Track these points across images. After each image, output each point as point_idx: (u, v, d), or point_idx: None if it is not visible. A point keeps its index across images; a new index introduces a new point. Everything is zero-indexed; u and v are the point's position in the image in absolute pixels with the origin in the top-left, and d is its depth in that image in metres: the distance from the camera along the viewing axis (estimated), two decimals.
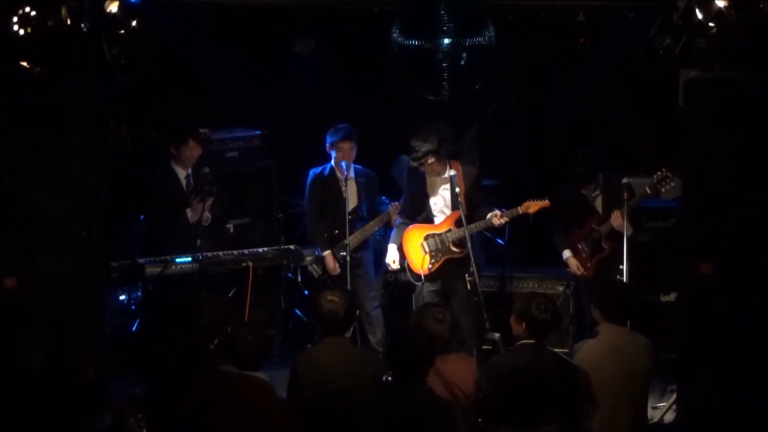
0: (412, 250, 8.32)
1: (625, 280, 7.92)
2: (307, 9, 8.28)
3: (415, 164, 8.20)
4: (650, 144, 9.79)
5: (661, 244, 8.88)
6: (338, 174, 8.75)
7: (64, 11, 7.15)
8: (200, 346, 6.45)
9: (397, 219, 8.58)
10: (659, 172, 8.08)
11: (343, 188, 8.69)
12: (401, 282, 8.99)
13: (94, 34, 7.24)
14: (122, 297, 9.43)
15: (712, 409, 7.02)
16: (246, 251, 8.57)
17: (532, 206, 8.14)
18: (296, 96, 9.91)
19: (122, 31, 7.31)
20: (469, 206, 8.14)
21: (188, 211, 8.42)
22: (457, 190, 8.04)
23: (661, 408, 7.91)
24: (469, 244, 7.95)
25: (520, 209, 8.15)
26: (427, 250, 8.26)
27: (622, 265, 7.95)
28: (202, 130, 8.85)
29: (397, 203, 8.78)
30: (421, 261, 8.25)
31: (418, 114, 9.71)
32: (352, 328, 6.73)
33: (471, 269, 7.89)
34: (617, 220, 8.16)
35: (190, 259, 8.20)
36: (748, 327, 7.05)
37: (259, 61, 9.88)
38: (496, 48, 7.47)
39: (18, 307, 7.14)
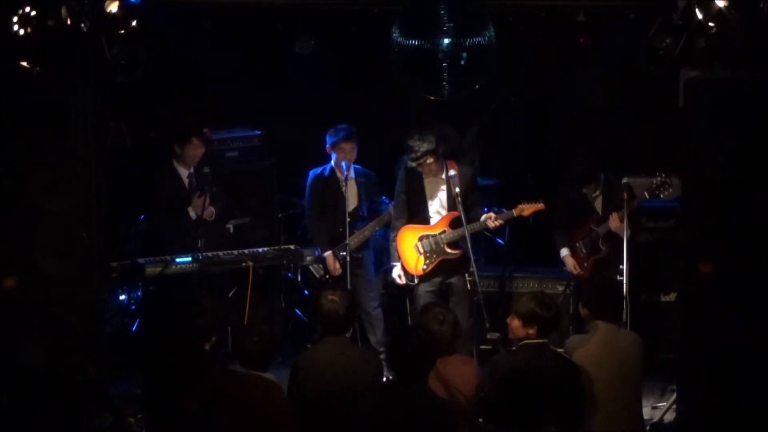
0: (407, 251, 8.31)
1: (625, 280, 7.93)
2: (307, 9, 8.27)
3: (413, 164, 8.19)
4: (650, 144, 9.79)
5: (661, 244, 8.87)
6: (338, 174, 8.75)
7: (64, 11, 7.15)
8: (197, 345, 6.45)
9: (391, 233, 8.54)
10: (658, 177, 8.08)
11: (344, 188, 8.69)
12: (402, 284, 8.99)
13: (94, 34, 7.23)
14: (122, 297, 9.43)
15: (712, 409, 7.01)
16: (246, 251, 8.57)
17: (527, 209, 8.13)
18: (296, 96, 9.91)
19: (122, 31, 7.30)
20: (464, 207, 8.13)
21: (190, 210, 8.42)
22: (457, 190, 8.03)
23: (661, 408, 7.91)
24: (469, 244, 7.93)
25: (515, 212, 8.14)
26: (421, 251, 8.25)
27: (622, 265, 7.95)
28: (202, 130, 8.84)
29: (395, 205, 8.78)
30: (415, 262, 8.24)
31: (418, 114, 9.74)
32: (351, 328, 6.71)
33: (471, 269, 7.88)
34: (615, 222, 8.17)
35: (190, 259, 8.20)
36: (748, 327, 7.05)
37: (259, 61, 9.88)
38: (496, 48, 7.48)
39: (18, 307, 7.14)
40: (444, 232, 8.20)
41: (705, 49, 7.36)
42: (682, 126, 7.35)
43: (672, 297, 8.77)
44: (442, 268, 8.26)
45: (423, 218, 8.34)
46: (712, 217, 7.16)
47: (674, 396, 7.74)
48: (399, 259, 8.38)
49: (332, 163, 8.78)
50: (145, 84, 7.79)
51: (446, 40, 7.40)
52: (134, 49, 7.38)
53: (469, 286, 7.94)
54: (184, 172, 8.60)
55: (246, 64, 9.85)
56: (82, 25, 7.15)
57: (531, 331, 6.45)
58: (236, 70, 9.83)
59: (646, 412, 7.63)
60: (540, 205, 8.13)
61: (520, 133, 10.62)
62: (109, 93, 7.70)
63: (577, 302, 8.79)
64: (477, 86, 7.67)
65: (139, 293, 8.97)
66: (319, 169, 8.84)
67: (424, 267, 8.24)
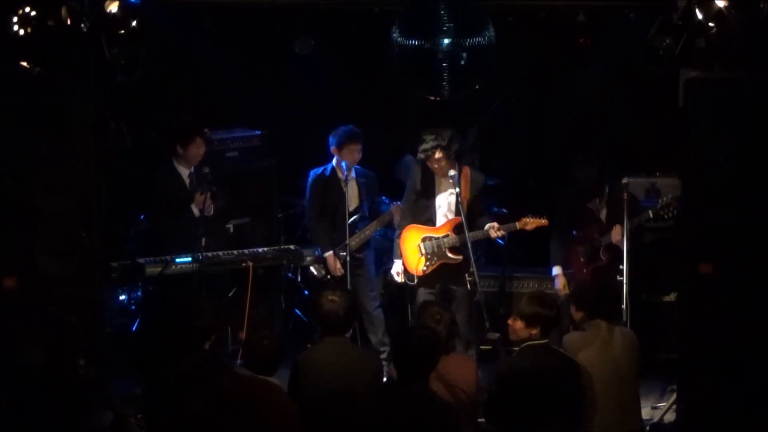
0: (409, 250, 8.30)
1: (625, 280, 7.93)
2: (307, 9, 8.27)
3: (422, 156, 8.16)
4: (650, 144, 9.79)
5: (661, 244, 8.87)
6: (339, 174, 8.75)
7: (64, 11, 7.15)
8: (197, 345, 6.45)
9: (395, 231, 8.54)
10: (664, 198, 8.07)
11: (345, 189, 8.69)
12: (400, 283, 8.99)
13: (94, 34, 7.24)
14: (122, 297, 9.43)
15: (712, 409, 7.01)
16: (246, 251, 8.56)
17: (530, 223, 8.09)
18: (296, 96, 9.91)
19: (122, 31, 7.31)
20: (470, 213, 8.11)
21: (193, 207, 8.42)
22: (457, 190, 8.02)
23: (661, 408, 7.91)
24: (470, 250, 7.90)
25: (518, 225, 8.09)
26: (423, 252, 8.23)
27: (622, 266, 7.95)
28: (204, 129, 8.84)
29: (398, 203, 8.78)
30: (416, 262, 8.23)
31: (418, 114, 9.75)
32: (352, 328, 6.72)
33: (471, 269, 7.87)
34: (617, 236, 8.14)
35: (190, 259, 8.20)
36: (748, 327, 7.05)
37: (259, 61, 9.88)
38: (496, 48, 7.48)
39: (18, 307, 7.14)
40: (447, 236, 8.18)
41: (705, 49, 7.36)
42: (682, 126, 7.35)
43: (672, 297, 8.77)
44: (442, 273, 8.22)
45: (429, 220, 8.31)
46: (712, 217, 7.16)
47: (674, 396, 7.74)
48: (401, 256, 8.36)
49: (333, 163, 8.78)
50: (145, 84, 7.79)
51: (446, 40, 7.40)
52: (134, 49, 7.38)
53: (469, 286, 7.92)
54: (185, 172, 8.60)
55: (246, 64, 9.86)
56: (82, 25, 7.15)
57: (534, 332, 6.47)
58: (236, 70, 9.83)
59: (646, 412, 7.64)
60: (543, 221, 8.08)
61: (520, 133, 10.62)
62: (109, 93, 7.70)
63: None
64: (477, 86, 7.67)
65: (139, 293, 8.98)
66: (320, 169, 8.84)
67: (424, 268, 8.22)
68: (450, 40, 7.39)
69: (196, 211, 8.38)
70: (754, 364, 7.01)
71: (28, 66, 7.22)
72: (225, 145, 9.28)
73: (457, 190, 8.03)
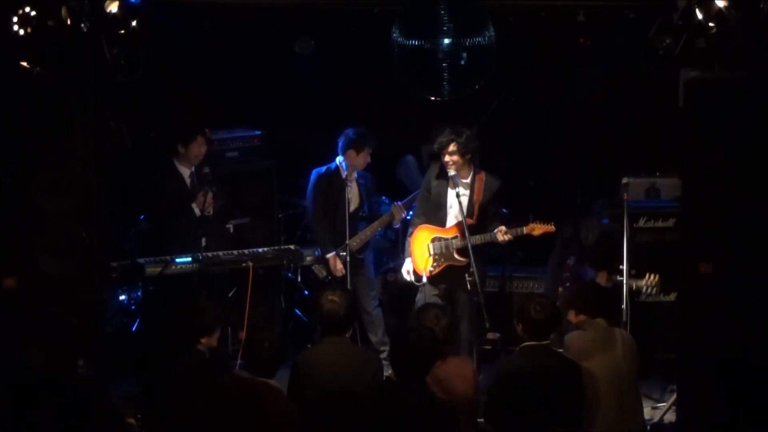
0: (418, 250, 8.30)
1: (625, 280, 7.93)
2: (307, 9, 8.27)
3: (435, 147, 8.15)
4: (650, 144, 9.79)
5: (661, 244, 8.87)
6: (342, 175, 8.75)
7: (64, 11, 7.15)
8: (191, 344, 6.43)
9: (408, 228, 8.53)
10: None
11: (347, 189, 8.69)
12: (400, 283, 8.99)
13: (94, 34, 7.24)
14: (122, 297, 9.42)
15: (712, 409, 7.02)
16: (246, 251, 8.56)
17: (537, 229, 8.07)
18: (296, 96, 9.90)
19: (122, 31, 7.31)
20: (482, 217, 8.09)
21: (194, 206, 8.42)
22: (458, 190, 8.00)
23: (661, 408, 7.91)
24: (471, 254, 7.89)
25: (525, 229, 8.07)
26: (431, 252, 8.23)
27: (622, 265, 7.96)
28: (204, 129, 8.84)
29: (398, 203, 8.78)
30: (424, 262, 8.23)
31: (418, 114, 9.74)
32: (352, 328, 6.71)
33: (471, 269, 7.86)
34: (602, 280, 8.16)
35: (190, 259, 8.20)
36: (748, 327, 7.05)
37: (259, 61, 9.87)
38: (496, 48, 7.47)
39: (18, 307, 7.14)
40: (456, 237, 8.16)
41: (705, 49, 7.37)
42: (682, 126, 7.35)
43: (672, 297, 8.77)
44: (448, 275, 8.21)
45: (440, 220, 8.30)
46: (712, 217, 7.16)
47: (674, 396, 7.74)
48: (411, 255, 8.36)
49: (336, 163, 8.79)
50: (145, 84, 7.79)
51: (446, 40, 7.40)
52: (134, 49, 7.39)
53: (469, 286, 7.92)
54: (185, 172, 8.60)
55: (246, 64, 9.85)
56: (82, 25, 7.15)
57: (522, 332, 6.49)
58: (236, 70, 9.83)
59: (646, 412, 7.63)
60: (551, 228, 8.06)
61: (520, 133, 10.61)
62: (109, 93, 7.70)
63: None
64: (477, 86, 7.67)
65: (139, 293, 8.97)
66: (323, 169, 8.84)
67: (431, 269, 8.21)
68: (450, 40, 7.39)
69: (196, 210, 8.38)
70: (754, 364, 7.01)
71: (28, 66, 7.23)
72: (225, 145, 9.28)
73: (458, 190, 8.01)
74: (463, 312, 8.08)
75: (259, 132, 9.48)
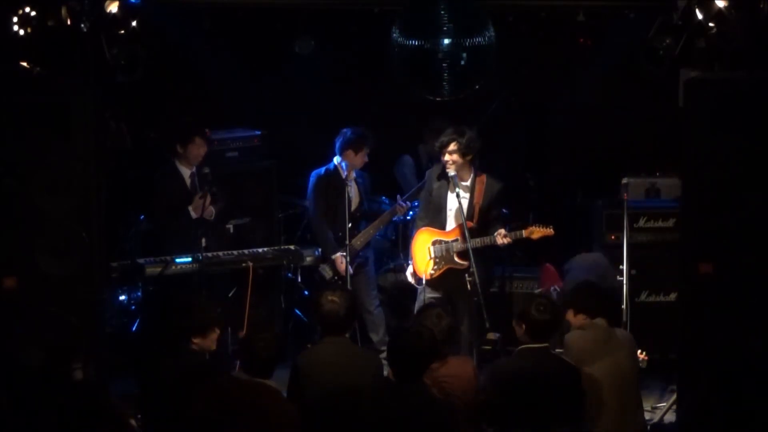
0: (419, 253, 8.29)
1: (625, 280, 7.93)
2: (307, 9, 8.27)
3: (436, 146, 8.15)
4: (650, 144, 9.80)
5: (661, 244, 8.87)
6: (341, 175, 8.75)
7: (64, 11, 7.15)
8: (184, 343, 6.42)
9: (411, 230, 8.52)
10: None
11: (347, 189, 8.69)
12: (400, 283, 8.99)
13: (94, 34, 7.24)
14: (122, 297, 9.42)
15: (712, 409, 7.01)
16: (246, 251, 8.57)
17: (536, 232, 8.04)
18: (296, 96, 9.91)
19: (122, 31, 7.31)
20: (484, 219, 8.08)
21: (190, 209, 8.42)
22: (458, 191, 8.00)
23: (661, 408, 7.91)
24: (471, 256, 7.88)
25: (524, 233, 8.04)
26: (431, 255, 8.21)
27: (622, 265, 7.95)
28: (204, 129, 8.84)
29: (401, 203, 8.79)
30: (424, 265, 8.22)
31: (418, 114, 9.75)
32: (352, 328, 6.72)
33: (471, 269, 7.86)
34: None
35: (190, 259, 8.20)
36: (748, 327, 7.05)
37: (259, 61, 9.87)
38: (496, 48, 7.48)
39: (18, 307, 7.14)
40: (456, 240, 8.15)
41: (705, 49, 7.37)
42: (682, 126, 7.35)
43: (672, 297, 8.77)
44: (448, 279, 8.19)
45: (440, 222, 8.29)
46: (712, 217, 7.16)
47: (674, 396, 7.74)
48: (412, 257, 8.35)
49: (335, 163, 8.79)
50: (145, 84, 7.79)
51: (446, 40, 7.40)
52: (134, 49, 7.39)
53: (469, 286, 7.92)
54: (186, 172, 8.60)
55: (246, 64, 9.85)
56: (82, 25, 7.15)
57: (525, 333, 6.48)
58: (236, 70, 9.83)
59: (646, 412, 7.63)
60: (550, 231, 8.03)
61: (520, 133, 10.62)
62: (109, 93, 7.70)
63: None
64: (477, 86, 7.67)
65: (139, 293, 8.97)
66: (322, 170, 8.84)
67: (432, 272, 8.19)
68: (450, 40, 7.40)
69: (193, 214, 8.38)
70: (753, 364, 7.01)
71: (28, 66, 7.23)
72: (225, 145, 9.28)
73: (458, 191, 8.00)
74: (463, 313, 8.08)
75: (259, 132, 9.48)
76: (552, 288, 8.44)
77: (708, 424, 7.02)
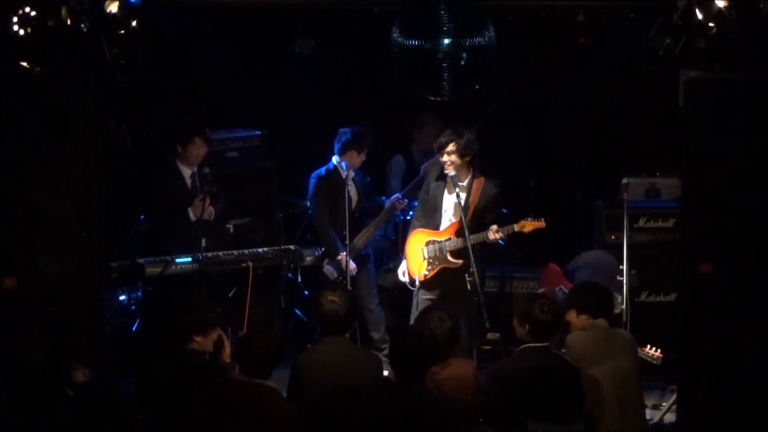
0: (412, 254, 8.29)
1: (625, 280, 7.93)
2: (307, 9, 8.28)
3: (435, 146, 8.14)
4: (650, 144, 9.80)
5: (661, 244, 8.87)
6: (341, 175, 8.76)
7: (64, 11, 7.16)
8: (182, 343, 6.41)
9: (409, 229, 8.53)
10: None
11: (348, 189, 8.70)
12: (400, 283, 8.99)
13: (94, 34, 7.24)
14: (122, 297, 9.41)
15: (712, 409, 7.02)
16: (246, 251, 8.57)
17: (528, 225, 7.99)
18: (296, 96, 9.90)
19: (122, 31, 7.32)
20: (478, 221, 8.05)
21: (190, 211, 8.42)
22: (457, 192, 7.99)
23: (661, 408, 7.91)
24: (471, 254, 7.87)
25: (516, 227, 7.99)
26: (425, 256, 8.19)
27: (622, 265, 7.95)
28: (205, 129, 8.84)
29: (399, 196, 8.81)
30: (418, 266, 8.21)
31: (418, 114, 9.75)
32: (352, 328, 6.71)
33: (471, 269, 7.85)
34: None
35: (190, 259, 8.20)
36: (748, 327, 7.05)
37: (259, 61, 9.87)
38: (496, 48, 7.47)
39: (18, 307, 7.14)
40: (449, 239, 8.14)
41: (705, 49, 7.37)
42: (682, 126, 7.35)
43: (672, 297, 8.78)
44: (443, 279, 8.19)
45: (435, 223, 8.28)
46: (712, 217, 7.16)
47: (674, 396, 7.74)
48: (405, 258, 8.35)
49: (334, 163, 8.79)
50: (145, 84, 7.80)
51: (446, 40, 7.40)
52: (134, 49, 7.39)
53: (469, 286, 7.91)
54: (187, 172, 8.60)
55: (246, 64, 9.85)
56: (82, 25, 7.16)
57: (528, 333, 6.48)
58: (236, 70, 9.83)
59: (646, 412, 7.63)
60: (541, 224, 7.97)
61: (520, 133, 10.62)
62: (109, 93, 7.70)
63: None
64: (477, 86, 7.67)
65: (139, 293, 8.96)
66: (322, 171, 8.84)
67: (426, 273, 8.18)
68: (450, 40, 7.40)
69: (192, 216, 8.38)
70: (753, 364, 7.01)
71: (28, 66, 7.23)
72: (225, 145, 9.28)
73: (457, 191, 8.00)
74: (461, 313, 8.07)
75: (259, 132, 9.48)
76: (557, 288, 8.42)
77: (708, 424, 7.04)
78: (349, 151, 8.72)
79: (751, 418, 6.90)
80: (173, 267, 8.21)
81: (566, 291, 8.29)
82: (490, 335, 8.15)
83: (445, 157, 8.07)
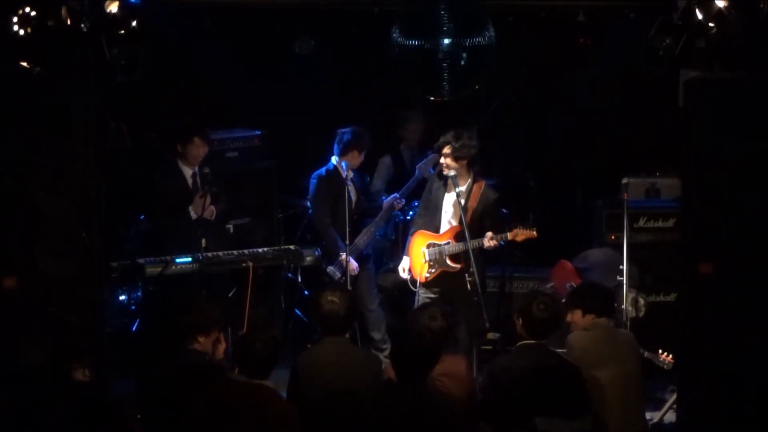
0: (414, 255, 8.29)
1: (625, 280, 7.93)
2: (307, 9, 8.27)
3: (434, 146, 8.14)
4: (650, 144, 9.80)
5: (661, 244, 8.87)
6: (341, 175, 8.76)
7: (64, 11, 7.15)
8: (183, 343, 6.41)
9: (410, 227, 8.54)
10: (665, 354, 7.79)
11: (348, 189, 8.70)
12: (400, 283, 9.00)
13: (94, 34, 7.24)
14: (122, 297, 9.42)
15: (712, 409, 7.01)
16: (246, 251, 8.56)
17: (520, 234, 7.97)
18: (296, 96, 9.91)
19: (122, 31, 7.31)
20: (476, 225, 8.04)
21: (191, 209, 8.42)
22: (457, 190, 7.98)
23: (661, 408, 7.91)
24: (471, 255, 7.86)
25: (509, 235, 7.99)
26: (426, 258, 8.21)
27: (622, 265, 7.95)
28: (205, 129, 8.84)
29: (397, 195, 8.81)
30: (420, 268, 8.23)
31: (418, 114, 9.76)
32: (352, 328, 6.71)
33: (471, 269, 7.85)
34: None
35: (190, 259, 8.20)
36: (748, 327, 7.05)
37: (259, 61, 9.87)
38: (496, 48, 7.48)
39: (18, 307, 7.14)
40: (448, 243, 8.15)
41: (705, 49, 7.37)
42: (682, 126, 7.35)
43: (672, 297, 8.77)
44: (444, 281, 8.18)
45: (435, 224, 8.27)
46: (712, 217, 7.16)
47: (674, 396, 7.74)
48: (409, 254, 8.35)
49: (334, 163, 8.79)
50: (145, 84, 7.79)
51: (446, 40, 7.40)
52: (134, 49, 7.39)
53: (469, 286, 7.91)
54: (188, 172, 8.60)
55: (246, 64, 9.85)
56: (82, 25, 7.16)
57: (524, 330, 6.47)
58: (236, 71, 9.83)
59: (647, 412, 7.63)
60: (533, 233, 7.94)
61: (520, 133, 10.62)
62: (109, 93, 7.70)
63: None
64: (477, 86, 7.67)
65: (139, 293, 8.97)
66: (323, 172, 8.84)
67: (427, 275, 8.20)
68: (450, 40, 7.40)
69: (193, 214, 8.38)
70: (753, 364, 7.00)
71: (28, 66, 7.23)
72: (225, 145, 9.28)
73: (457, 190, 7.99)
74: (462, 313, 8.07)
75: (259, 132, 9.49)
76: (568, 285, 8.41)
77: (708, 424, 7.03)
78: (351, 151, 8.72)
79: (751, 418, 6.89)
80: (173, 267, 8.20)
81: None
82: (490, 335, 8.16)
83: (442, 159, 8.09)
